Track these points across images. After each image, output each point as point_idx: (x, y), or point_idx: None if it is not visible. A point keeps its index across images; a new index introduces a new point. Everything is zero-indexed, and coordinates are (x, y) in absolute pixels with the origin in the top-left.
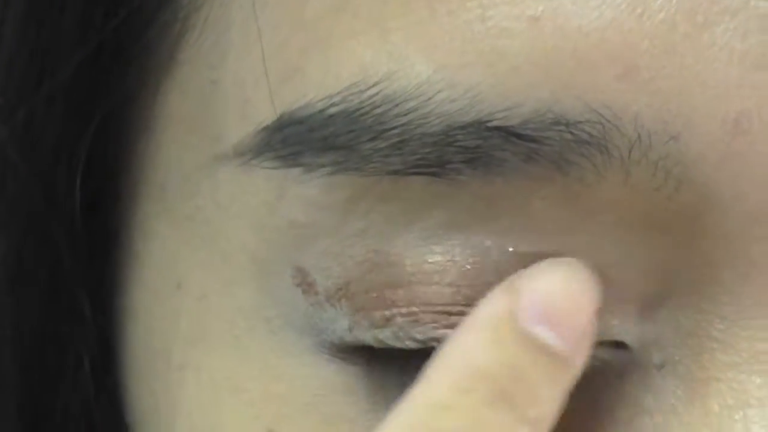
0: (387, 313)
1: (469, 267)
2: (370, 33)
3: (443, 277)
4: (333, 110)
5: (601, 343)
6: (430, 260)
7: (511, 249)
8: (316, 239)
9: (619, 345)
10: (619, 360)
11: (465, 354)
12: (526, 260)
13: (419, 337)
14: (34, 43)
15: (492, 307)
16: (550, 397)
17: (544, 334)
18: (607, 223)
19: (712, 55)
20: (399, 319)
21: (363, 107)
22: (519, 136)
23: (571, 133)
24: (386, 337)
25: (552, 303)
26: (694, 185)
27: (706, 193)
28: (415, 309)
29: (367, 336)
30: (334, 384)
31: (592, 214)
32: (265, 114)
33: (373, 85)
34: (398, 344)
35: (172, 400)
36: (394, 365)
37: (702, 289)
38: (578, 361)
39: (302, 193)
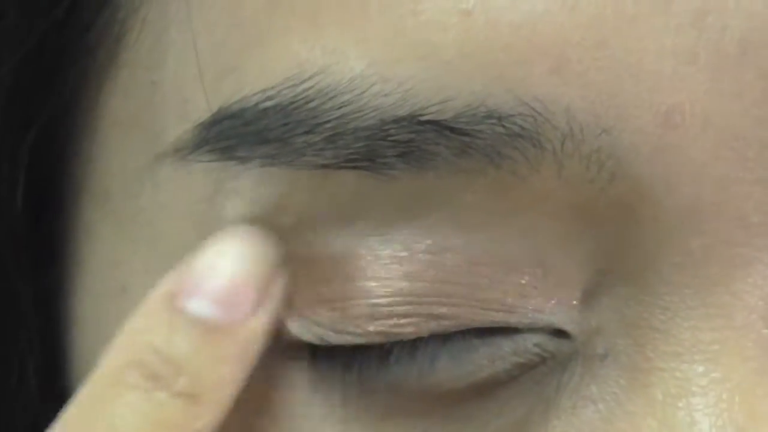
0: (322, 309)
1: (404, 261)
2: (304, 28)
3: (377, 271)
4: (267, 104)
5: (544, 332)
6: (366, 255)
7: (444, 242)
8: None
9: (562, 334)
10: (562, 350)
11: (118, 344)
12: (465, 251)
13: (357, 331)
14: None
15: (154, 292)
16: (208, 370)
17: (200, 308)
18: (541, 215)
19: (643, 49)
20: (335, 314)
21: (297, 101)
22: (452, 129)
23: (504, 126)
24: (322, 333)
25: (211, 277)
26: (627, 178)
27: (639, 186)
28: (350, 303)
29: (304, 332)
30: (276, 380)
31: (526, 206)
32: (203, 111)
33: (308, 79)
34: (336, 340)
35: None
36: (338, 361)
37: (642, 280)
38: (249, 328)
39: (237, 186)
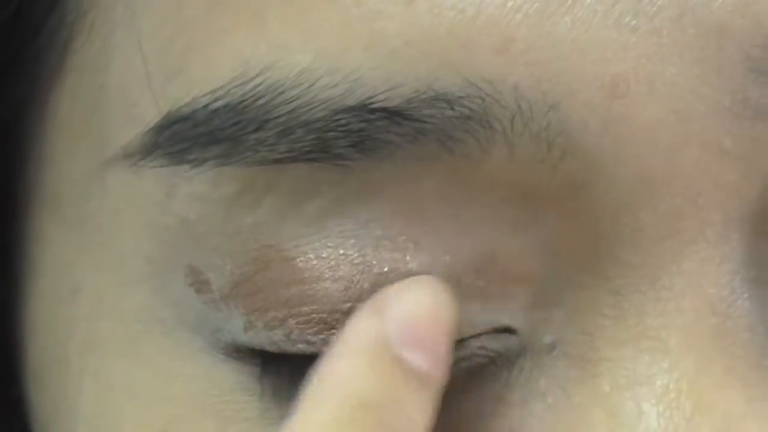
0: (279, 314)
1: (361, 259)
2: (248, 25)
3: (335, 271)
4: (217, 104)
5: (487, 333)
6: (323, 255)
7: (403, 237)
8: (207, 236)
9: (509, 330)
10: (509, 346)
11: (342, 382)
12: (420, 248)
13: (312, 339)
14: None
15: (363, 331)
16: (423, 421)
17: (415, 358)
18: (494, 201)
19: (586, 21)
20: (291, 321)
21: (246, 99)
22: (402, 116)
23: (453, 109)
24: (279, 339)
25: (419, 326)
26: (577, 154)
27: (590, 161)
28: (306, 308)
29: (261, 337)
30: (228, 384)
31: (481, 193)
32: (152, 115)
33: (256, 76)
34: (291, 348)
35: (71, 407)
36: (290, 366)
37: (592, 264)
38: (441, 381)
39: (191, 189)
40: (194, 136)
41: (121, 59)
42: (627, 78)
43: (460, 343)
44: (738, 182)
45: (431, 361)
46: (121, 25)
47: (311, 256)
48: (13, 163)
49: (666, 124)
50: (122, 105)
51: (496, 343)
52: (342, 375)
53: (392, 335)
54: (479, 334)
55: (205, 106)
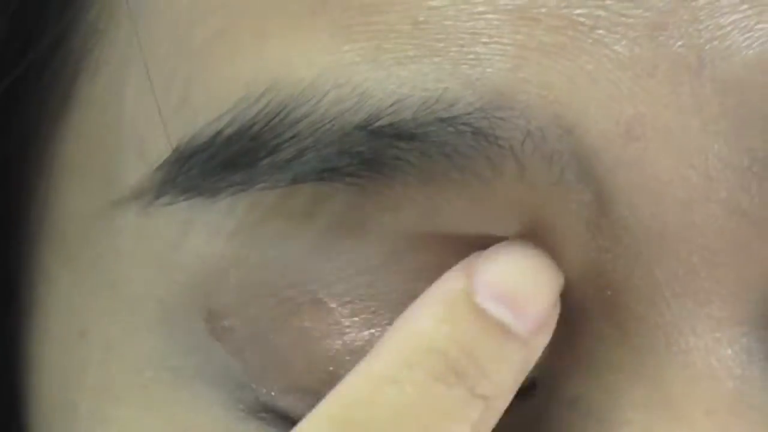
0: (309, 376)
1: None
2: (250, 48)
3: (369, 314)
4: (228, 131)
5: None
6: (358, 295)
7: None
8: (226, 274)
9: (531, 387)
10: (528, 407)
11: (414, 329)
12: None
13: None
14: None
15: (446, 284)
16: (504, 376)
17: (500, 312)
18: (513, 229)
19: (602, 57)
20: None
21: (255, 122)
22: (409, 131)
23: (462, 125)
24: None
25: (509, 282)
26: (591, 182)
27: (603, 196)
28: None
29: (288, 401)
30: None
31: (497, 218)
32: (161, 150)
33: (261, 97)
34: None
35: None
36: None
37: (610, 313)
38: (536, 344)
39: (206, 223)
40: (206, 168)
41: (126, 96)
42: (643, 122)
43: None
44: (755, 243)
45: (519, 318)
46: (126, 60)
47: (342, 290)
48: (17, 200)
49: (682, 178)
50: (129, 142)
51: (517, 407)
52: (415, 323)
53: (477, 287)
54: None
55: (216, 135)
